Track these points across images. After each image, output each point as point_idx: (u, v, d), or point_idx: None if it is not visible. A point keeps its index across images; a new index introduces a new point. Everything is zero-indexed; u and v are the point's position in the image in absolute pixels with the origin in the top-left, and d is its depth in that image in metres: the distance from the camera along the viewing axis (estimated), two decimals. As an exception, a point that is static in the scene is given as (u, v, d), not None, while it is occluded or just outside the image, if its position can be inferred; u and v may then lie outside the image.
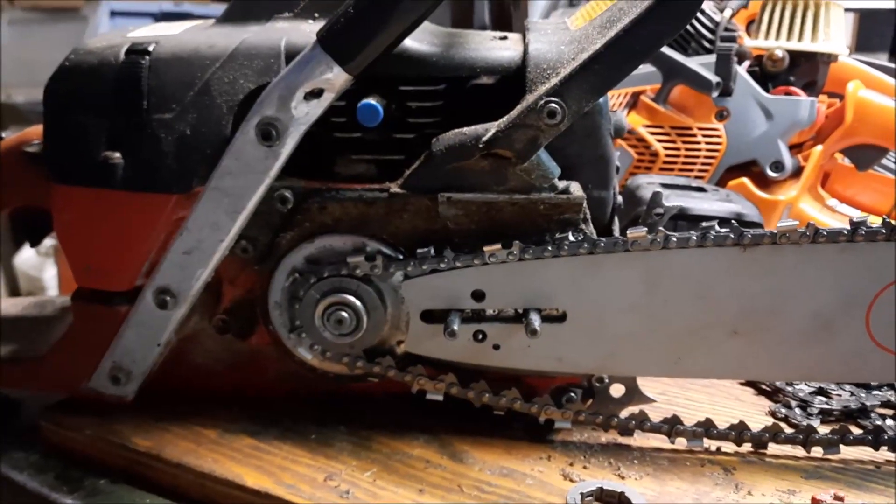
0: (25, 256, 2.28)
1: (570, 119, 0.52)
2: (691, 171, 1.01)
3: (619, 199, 0.62)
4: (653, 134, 1.02)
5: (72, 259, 0.59)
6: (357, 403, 0.63)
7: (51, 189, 0.58)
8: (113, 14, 2.42)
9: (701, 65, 0.98)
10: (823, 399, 0.67)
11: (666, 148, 1.02)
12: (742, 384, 0.71)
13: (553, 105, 0.52)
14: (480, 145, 0.53)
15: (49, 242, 2.39)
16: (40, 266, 2.26)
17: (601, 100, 0.55)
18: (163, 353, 0.59)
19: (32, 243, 0.68)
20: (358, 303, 0.57)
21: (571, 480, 0.55)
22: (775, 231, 0.54)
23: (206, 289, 0.58)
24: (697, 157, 1.01)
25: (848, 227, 0.54)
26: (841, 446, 0.58)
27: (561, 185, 0.56)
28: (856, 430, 0.59)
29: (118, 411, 0.61)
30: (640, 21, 0.50)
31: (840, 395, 0.68)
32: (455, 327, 0.56)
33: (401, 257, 0.57)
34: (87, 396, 0.61)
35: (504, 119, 0.53)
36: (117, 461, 0.58)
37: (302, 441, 0.59)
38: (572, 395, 0.60)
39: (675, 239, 0.54)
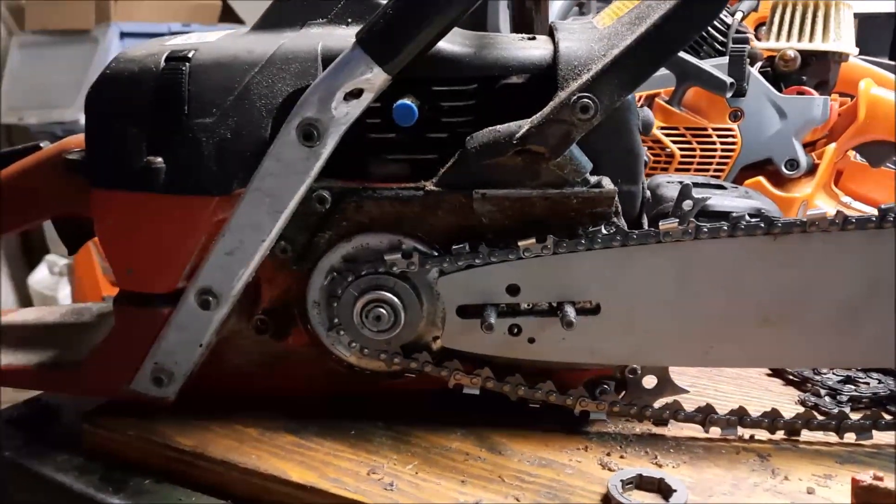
0: (39, 276, 2.30)
1: (602, 114, 0.53)
2: (707, 171, 1.02)
3: (648, 193, 0.63)
4: (668, 135, 1.03)
5: (114, 263, 0.60)
6: (394, 400, 0.64)
7: (92, 195, 0.59)
8: (123, 35, 2.45)
9: (714, 66, 0.99)
10: (852, 387, 0.68)
11: (681, 149, 1.03)
12: (769, 375, 0.72)
13: (586, 100, 0.53)
14: (514, 142, 0.55)
15: (63, 262, 2.41)
16: (54, 286, 2.27)
17: (629, 95, 0.57)
18: (204, 354, 0.60)
19: (70, 251, 0.69)
20: (395, 299, 0.58)
21: (610, 469, 0.56)
22: (805, 220, 0.55)
23: (244, 290, 0.59)
24: (713, 157, 1.03)
25: (876, 214, 0.55)
26: (873, 432, 0.59)
27: (593, 179, 0.57)
28: (886, 416, 0.60)
29: (159, 412, 0.62)
30: (670, 16, 0.51)
31: (868, 384, 0.68)
32: (492, 321, 0.57)
33: (436, 254, 0.58)
34: (127, 399, 0.62)
35: (537, 115, 0.54)
36: (160, 461, 0.59)
37: (342, 437, 0.60)
38: (605, 386, 0.61)
39: (706, 229, 0.55)
